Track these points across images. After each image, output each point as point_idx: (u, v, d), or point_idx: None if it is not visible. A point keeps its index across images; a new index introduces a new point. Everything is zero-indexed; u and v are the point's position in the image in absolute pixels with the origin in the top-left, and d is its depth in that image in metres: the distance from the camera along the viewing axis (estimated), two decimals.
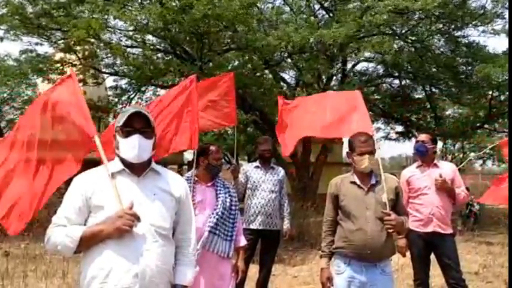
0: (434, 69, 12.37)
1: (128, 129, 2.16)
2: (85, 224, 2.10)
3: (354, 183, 2.99)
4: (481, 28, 11.90)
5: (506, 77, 10.98)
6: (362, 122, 3.63)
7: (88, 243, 2.05)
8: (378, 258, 2.89)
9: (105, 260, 2.03)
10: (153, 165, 2.24)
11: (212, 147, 3.55)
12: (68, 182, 2.24)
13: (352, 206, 2.94)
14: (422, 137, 4.40)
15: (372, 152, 2.94)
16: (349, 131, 3.49)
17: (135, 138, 2.14)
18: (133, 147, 2.14)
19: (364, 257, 2.87)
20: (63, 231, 2.05)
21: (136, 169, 2.18)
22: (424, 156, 4.31)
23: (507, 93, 12.41)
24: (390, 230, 2.86)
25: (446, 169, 4.26)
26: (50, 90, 2.75)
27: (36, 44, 10.44)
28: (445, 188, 4.13)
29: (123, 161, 2.19)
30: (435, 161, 4.31)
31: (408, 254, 4.34)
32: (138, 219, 2.04)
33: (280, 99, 4.64)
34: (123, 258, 2.02)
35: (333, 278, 2.98)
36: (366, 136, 3.01)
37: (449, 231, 4.19)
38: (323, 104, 4.15)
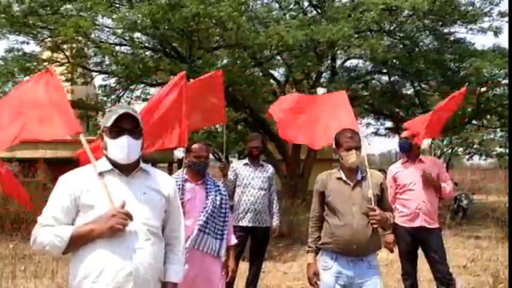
0: (422, 66, 12.46)
1: (116, 129, 2.14)
2: (72, 224, 2.09)
3: (340, 179, 3.02)
4: (468, 26, 12.01)
5: (495, 72, 11.08)
6: (348, 121, 3.65)
7: (78, 243, 2.03)
8: (364, 252, 2.92)
9: (97, 259, 2.02)
10: (142, 164, 2.24)
11: (195, 145, 3.51)
12: (57, 180, 2.22)
13: (338, 202, 2.96)
14: (406, 133, 4.45)
15: (358, 148, 2.97)
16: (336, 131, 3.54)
17: (124, 139, 2.13)
18: (122, 149, 2.12)
19: (351, 252, 2.90)
20: (51, 231, 2.03)
21: (125, 169, 2.17)
22: (409, 152, 4.37)
23: (495, 89, 12.55)
24: (375, 225, 2.89)
25: (432, 164, 4.31)
26: (25, 89, 2.67)
27: (23, 42, 10.33)
28: (431, 182, 4.18)
29: (111, 161, 2.18)
30: (420, 157, 4.37)
31: (396, 249, 4.38)
32: (130, 218, 2.03)
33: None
34: (117, 257, 2.01)
35: (320, 274, 3.00)
36: (351, 132, 3.04)
37: (436, 225, 4.25)
38: (313, 111, 4.13)
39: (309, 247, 3.10)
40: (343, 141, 2.99)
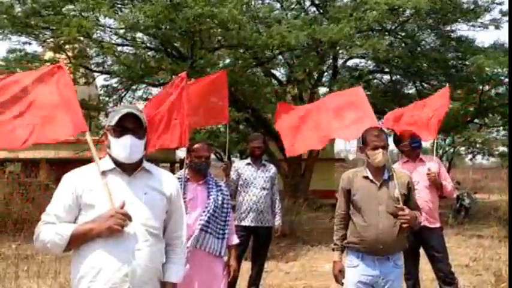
0: (424, 65, 12.44)
1: (120, 129, 2.16)
2: (75, 222, 2.10)
3: (366, 177, 2.99)
4: (470, 22, 12.00)
5: (498, 70, 11.06)
6: (368, 120, 3.71)
7: (78, 241, 2.04)
8: (390, 252, 2.91)
9: (95, 259, 2.03)
10: (145, 164, 2.25)
11: (196, 145, 3.52)
12: (59, 181, 2.23)
13: (364, 201, 2.94)
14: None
15: (384, 147, 2.94)
16: (358, 131, 3.59)
17: (127, 139, 2.14)
18: (125, 148, 2.14)
19: (377, 252, 2.88)
20: (52, 229, 2.05)
21: (127, 168, 2.18)
22: (417, 151, 4.38)
23: (498, 87, 12.53)
24: (404, 225, 2.86)
25: (432, 163, 4.32)
26: (37, 79, 2.70)
27: (25, 43, 10.34)
28: (435, 181, 4.19)
29: (114, 160, 2.19)
30: (420, 156, 4.38)
31: None
32: (129, 218, 2.04)
33: (279, 106, 4.84)
34: (114, 258, 2.02)
35: (345, 271, 3.00)
36: (378, 131, 3.02)
37: (438, 224, 4.26)
38: (326, 110, 4.28)
39: (335, 244, 3.08)
40: (370, 140, 2.97)
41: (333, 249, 3.10)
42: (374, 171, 2.99)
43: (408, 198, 3.01)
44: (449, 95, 4.70)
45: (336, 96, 4.86)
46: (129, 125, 2.16)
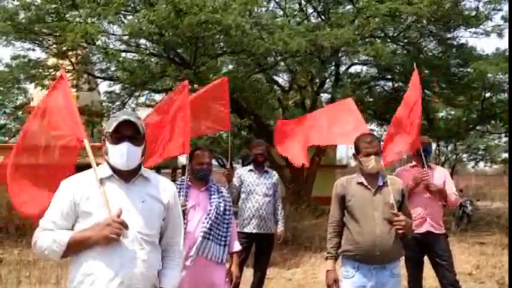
0: (426, 71, 12.45)
1: (117, 135, 2.17)
2: (72, 229, 2.11)
3: (361, 184, 2.97)
4: (472, 29, 12.03)
5: (501, 76, 11.06)
6: (358, 127, 3.74)
7: (75, 248, 2.06)
8: (387, 259, 2.88)
9: (91, 267, 2.04)
10: (143, 170, 2.25)
11: (197, 151, 3.52)
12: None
13: (359, 207, 2.92)
14: (425, 138, 4.45)
15: (377, 153, 2.94)
16: (347, 138, 3.64)
17: (124, 146, 2.15)
18: (122, 155, 2.14)
19: (373, 259, 2.85)
20: (50, 236, 2.06)
21: (125, 175, 2.19)
22: (427, 158, 4.36)
23: (500, 94, 12.53)
24: (400, 231, 2.85)
25: (439, 172, 4.31)
26: (48, 96, 2.80)
27: (28, 49, 10.39)
28: (435, 192, 4.15)
29: (112, 167, 2.20)
30: (428, 163, 4.37)
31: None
32: (126, 227, 2.05)
33: (279, 122, 4.99)
34: (109, 265, 2.03)
35: (341, 282, 2.95)
36: (370, 137, 3.02)
37: (443, 231, 4.23)
38: (320, 118, 4.51)
39: (328, 253, 3.03)
40: (362, 146, 2.96)
41: (326, 258, 3.05)
42: (368, 178, 2.98)
43: (401, 204, 3.00)
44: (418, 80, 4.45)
45: (328, 108, 5.03)
46: (127, 132, 2.17)
